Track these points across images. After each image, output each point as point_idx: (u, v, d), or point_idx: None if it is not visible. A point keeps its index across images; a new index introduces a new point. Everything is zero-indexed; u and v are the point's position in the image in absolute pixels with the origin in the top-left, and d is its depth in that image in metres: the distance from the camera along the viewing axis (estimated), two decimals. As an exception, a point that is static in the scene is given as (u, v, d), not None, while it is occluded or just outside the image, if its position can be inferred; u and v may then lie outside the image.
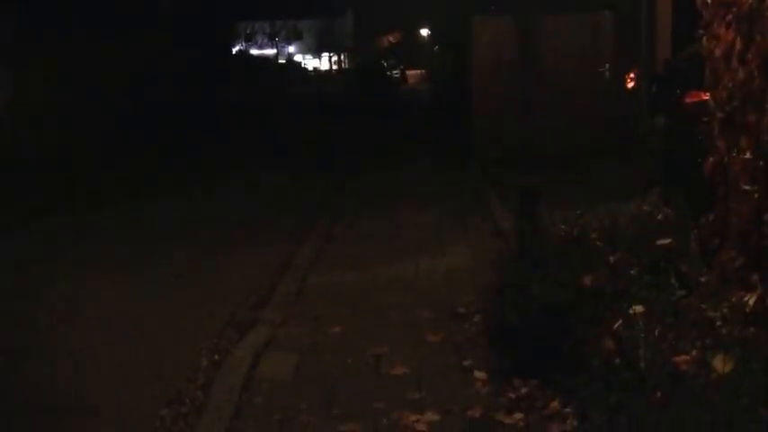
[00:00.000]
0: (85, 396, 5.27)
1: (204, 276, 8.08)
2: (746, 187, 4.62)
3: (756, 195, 4.50)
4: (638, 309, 4.58)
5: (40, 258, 9.03)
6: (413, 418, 4.49)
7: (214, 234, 9.97)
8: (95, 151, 17.46)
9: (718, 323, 4.39)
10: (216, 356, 5.78)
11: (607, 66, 13.08)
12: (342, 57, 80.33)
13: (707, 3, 5.22)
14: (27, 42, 17.54)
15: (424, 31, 62.42)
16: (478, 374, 5.00)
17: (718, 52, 5.01)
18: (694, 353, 4.11)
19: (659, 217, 5.79)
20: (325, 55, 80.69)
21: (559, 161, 11.82)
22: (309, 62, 77.64)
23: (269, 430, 4.51)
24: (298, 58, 74.39)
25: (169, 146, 18.72)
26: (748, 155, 4.59)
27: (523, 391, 4.65)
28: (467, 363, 5.21)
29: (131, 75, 22.81)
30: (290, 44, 76.03)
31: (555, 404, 4.42)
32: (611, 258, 5.26)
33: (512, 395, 4.64)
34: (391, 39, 73.41)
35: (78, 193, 13.03)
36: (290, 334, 6.07)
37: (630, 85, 12.43)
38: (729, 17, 4.81)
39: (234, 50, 49.94)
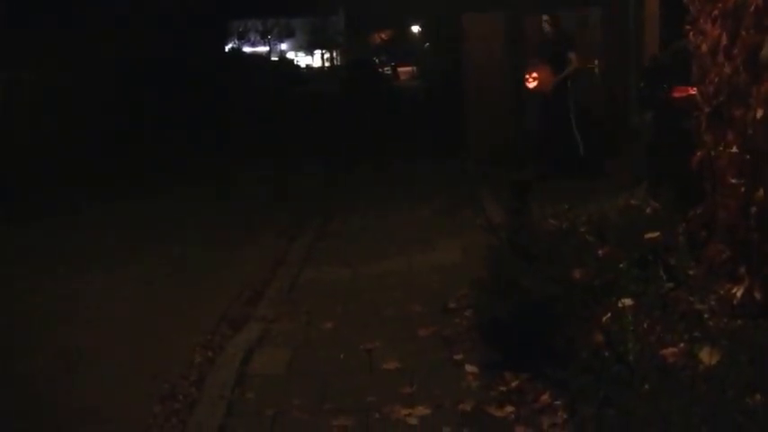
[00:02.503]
0: (79, 393, 5.30)
1: (199, 273, 8.12)
2: (733, 181, 4.66)
3: (743, 189, 4.54)
4: (627, 302, 4.63)
5: (35, 256, 9.09)
6: (404, 412, 4.52)
7: (209, 231, 10.00)
8: (92, 150, 17.50)
9: (706, 315, 4.44)
10: (209, 353, 5.80)
11: (596, 62, 13.04)
12: (334, 54, 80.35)
13: (694, -2, 5.27)
14: (18, 42, 17.50)
15: (416, 29, 62.43)
16: (470, 368, 5.02)
17: (704, 48, 5.06)
18: (682, 345, 4.15)
19: (648, 211, 5.83)
20: (318, 52, 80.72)
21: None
22: (302, 59, 77.65)
23: (261, 426, 4.52)
24: (290, 55, 74.35)
25: (164, 144, 18.73)
26: (735, 149, 4.63)
27: (514, 384, 4.67)
28: (458, 357, 5.23)
29: (127, 74, 22.80)
30: (282, 42, 76.04)
31: (545, 397, 4.44)
32: (601, 252, 5.30)
33: (503, 388, 4.67)
34: (383, 36, 73.46)
35: (74, 192, 13.09)
36: (283, 330, 6.10)
37: (532, 85, 11.69)
38: (715, 13, 4.86)
39: (227, 48, 49.99)
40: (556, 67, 11.37)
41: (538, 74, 11.48)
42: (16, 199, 12.18)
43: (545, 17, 11.60)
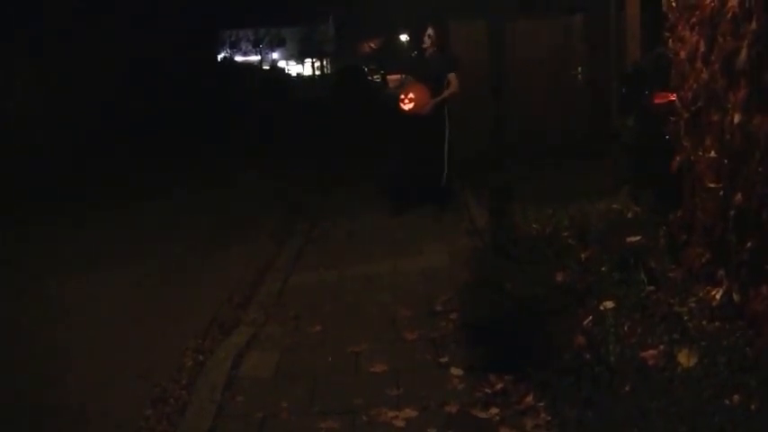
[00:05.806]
0: (71, 396, 5.33)
1: (189, 277, 8.15)
2: (712, 185, 4.74)
3: (721, 193, 4.62)
4: (608, 304, 4.71)
5: (29, 257, 9.15)
6: (391, 414, 4.55)
7: (199, 234, 10.04)
8: (87, 153, 17.58)
9: (686, 318, 4.51)
10: (200, 356, 5.84)
11: (579, 69, 13.14)
12: (324, 62, 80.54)
13: (672, 6, 5.36)
14: (12, 44, 17.53)
15: (404, 37, 62.46)
16: (455, 371, 5.05)
17: (683, 54, 5.15)
18: (662, 347, 4.23)
19: (629, 215, 5.92)
20: (308, 61, 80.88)
21: (534, 161, 11.84)
22: (293, 68, 77.81)
23: (251, 428, 4.56)
24: (281, 64, 74.49)
25: (156, 149, 18.79)
26: (713, 153, 4.71)
27: (498, 386, 4.70)
28: (443, 359, 5.26)
29: (122, 81, 22.87)
30: (273, 50, 76.21)
31: (529, 399, 4.47)
32: (582, 255, 5.38)
33: (487, 390, 4.69)
34: (372, 45, 73.44)
35: (66, 194, 13.15)
36: (272, 333, 6.13)
37: (408, 107, 9.93)
38: (693, 20, 4.95)
39: (219, 57, 50.22)
40: (434, 89, 9.90)
41: (415, 95, 9.92)
42: (13, 201, 12.28)
43: (429, 31, 10.08)
